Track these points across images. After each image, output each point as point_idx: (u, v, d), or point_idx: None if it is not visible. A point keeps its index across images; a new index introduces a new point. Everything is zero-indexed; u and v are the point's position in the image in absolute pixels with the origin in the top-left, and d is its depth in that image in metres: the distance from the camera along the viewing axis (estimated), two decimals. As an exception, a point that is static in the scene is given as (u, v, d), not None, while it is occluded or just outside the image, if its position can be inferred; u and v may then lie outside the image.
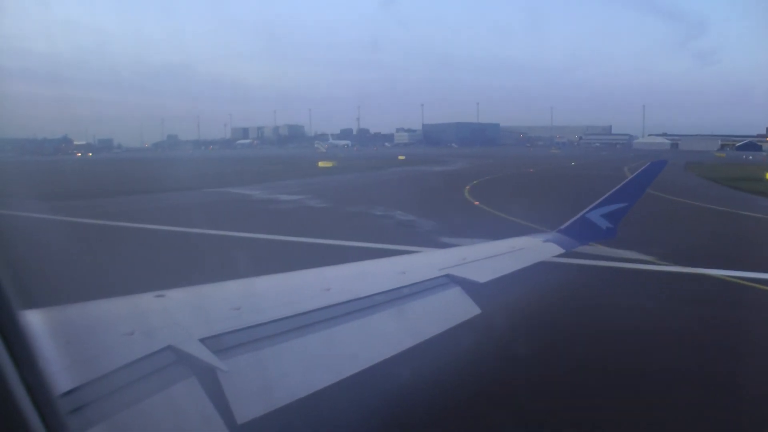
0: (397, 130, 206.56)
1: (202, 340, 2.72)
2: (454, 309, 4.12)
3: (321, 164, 60.63)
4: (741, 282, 11.59)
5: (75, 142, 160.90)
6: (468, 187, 33.61)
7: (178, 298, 3.38)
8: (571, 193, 30.23)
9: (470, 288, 4.34)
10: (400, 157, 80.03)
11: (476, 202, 25.96)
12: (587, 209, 6.80)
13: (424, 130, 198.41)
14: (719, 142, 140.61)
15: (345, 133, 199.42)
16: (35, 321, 2.22)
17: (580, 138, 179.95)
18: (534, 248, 5.94)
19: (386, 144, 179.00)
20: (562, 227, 6.69)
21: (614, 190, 7.00)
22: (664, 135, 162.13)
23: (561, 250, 6.09)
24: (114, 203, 27.31)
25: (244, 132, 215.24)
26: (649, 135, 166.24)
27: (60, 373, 2.03)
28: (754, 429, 5.76)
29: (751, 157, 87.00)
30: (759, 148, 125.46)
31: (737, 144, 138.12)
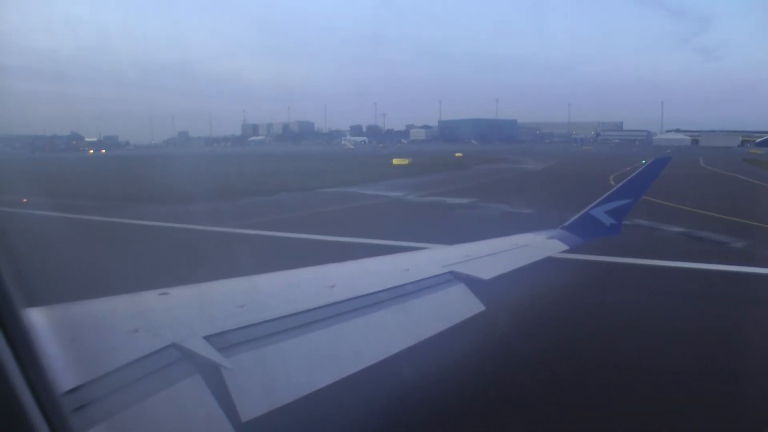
0: (407, 126, 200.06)
1: (207, 338, 2.72)
2: (459, 306, 4.11)
3: (396, 162, 55.78)
4: None
5: (86, 139, 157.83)
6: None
7: (183, 295, 3.39)
8: (732, 190, 28.40)
9: (474, 285, 4.33)
10: (458, 155, 71.83)
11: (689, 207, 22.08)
12: (591, 206, 6.80)
13: (441, 126, 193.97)
14: (740, 138, 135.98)
15: (355, 130, 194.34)
16: (41, 319, 2.22)
17: (598, 134, 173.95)
18: (538, 245, 5.93)
19: (402, 141, 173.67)
20: (566, 224, 6.67)
21: (618, 186, 7.00)
22: (677, 131, 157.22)
23: (565, 247, 6.08)
24: (253, 206, 23.66)
25: (254, 128, 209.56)
26: (668, 131, 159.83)
27: (65, 370, 2.03)
28: (755, 428, 5.73)
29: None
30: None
31: (757, 140, 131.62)
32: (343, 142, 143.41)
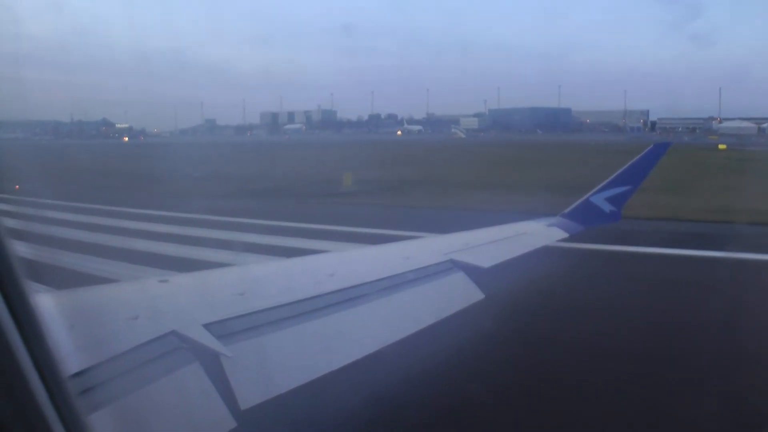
0: (428, 114, 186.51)
1: (206, 326, 2.73)
2: (458, 294, 4.12)
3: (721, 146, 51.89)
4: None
5: (117, 125, 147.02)
6: None
7: (183, 283, 3.40)
8: None
9: (474, 273, 4.34)
10: (721, 146, 58.59)
11: None
12: (591, 193, 6.78)
13: (492, 114, 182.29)
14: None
15: (374, 119, 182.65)
16: (42, 305, 2.23)
17: (654, 122, 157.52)
18: (538, 233, 5.94)
19: (454, 129, 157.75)
20: (565, 211, 6.66)
21: (617, 173, 6.97)
22: (711, 117, 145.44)
23: (565, 235, 6.08)
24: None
25: (273, 116, 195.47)
26: (724, 119, 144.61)
27: (64, 356, 2.04)
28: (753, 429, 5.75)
29: None
30: None
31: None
32: (453, 130, 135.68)
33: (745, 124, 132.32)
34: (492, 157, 47.59)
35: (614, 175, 6.94)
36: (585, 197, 6.77)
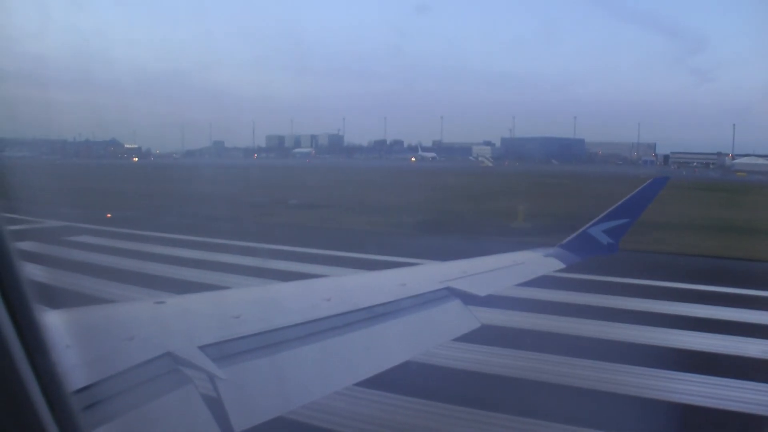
0: (434, 142, 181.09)
1: (201, 348, 2.72)
2: (454, 322, 4.12)
3: None
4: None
5: (126, 146, 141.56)
6: None
7: (178, 305, 3.39)
8: None
9: (470, 301, 4.34)
10: None
11: None
12: (589, 224, 6.81)
13: (505, 143, 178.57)
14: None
15: (379, 144, 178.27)
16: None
17: (667, 157, 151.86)
18: (535, 262, 5.94)
19: (470, 157, 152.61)
20: (563, 242, 6.69)
21: (616, 206, 7.01)
22: (715, 153, 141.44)
23: (562, 265, 6.08)
24: None
25: (280, 140, 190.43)
26: (737, 155, 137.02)
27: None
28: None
29: None
30: None
31: None
32: (480, 159, 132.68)
33: (760, 160, 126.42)
34: (577, 188, 43.74)
35: (612, 207, 6.97)
36: (583, 229, 6.80)
